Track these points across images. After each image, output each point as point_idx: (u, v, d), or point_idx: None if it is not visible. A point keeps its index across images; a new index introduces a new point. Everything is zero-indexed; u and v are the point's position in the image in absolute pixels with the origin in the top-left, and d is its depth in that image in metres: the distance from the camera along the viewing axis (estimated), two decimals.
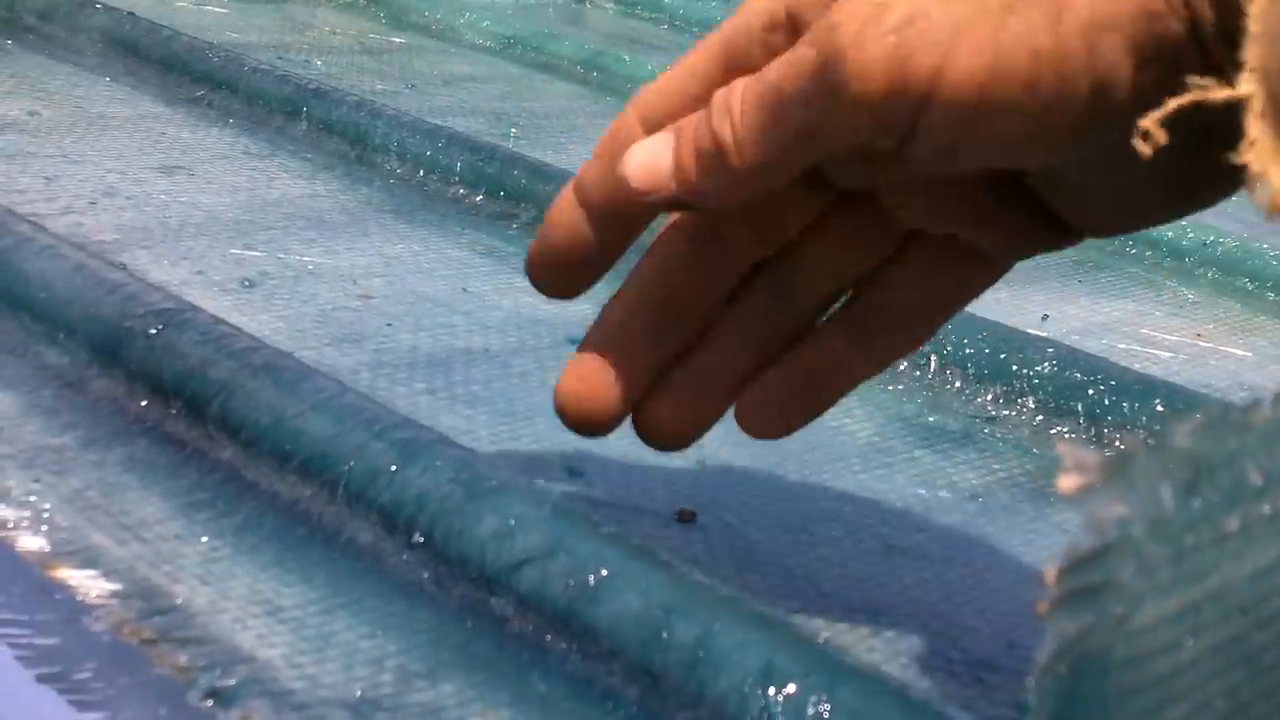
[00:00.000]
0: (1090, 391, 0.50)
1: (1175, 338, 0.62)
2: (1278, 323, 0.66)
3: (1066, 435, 0.49)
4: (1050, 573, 0.18)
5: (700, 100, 0.31)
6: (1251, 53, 0.23)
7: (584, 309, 0.55)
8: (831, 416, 0.49)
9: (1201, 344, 0.62)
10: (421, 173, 0.68)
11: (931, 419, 0.49)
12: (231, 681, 0.30)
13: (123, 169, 0.64)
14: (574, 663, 0.32)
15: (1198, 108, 0.24)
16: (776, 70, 0.29)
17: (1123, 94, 0.26)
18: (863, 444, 0.47)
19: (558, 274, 0.36)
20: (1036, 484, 0.46)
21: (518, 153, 0.68)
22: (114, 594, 0.33)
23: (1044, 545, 0.42)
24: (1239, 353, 0.62)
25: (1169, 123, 0.24)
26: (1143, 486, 0.19)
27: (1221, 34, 0.25)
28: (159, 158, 0.66)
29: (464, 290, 0.55)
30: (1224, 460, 0.20)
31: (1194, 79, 0.24)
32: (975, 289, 0.34)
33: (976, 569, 0.40)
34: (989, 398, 0.51)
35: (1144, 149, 0.24)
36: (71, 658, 0.31)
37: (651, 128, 0.32)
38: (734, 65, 0.31)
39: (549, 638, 0.33)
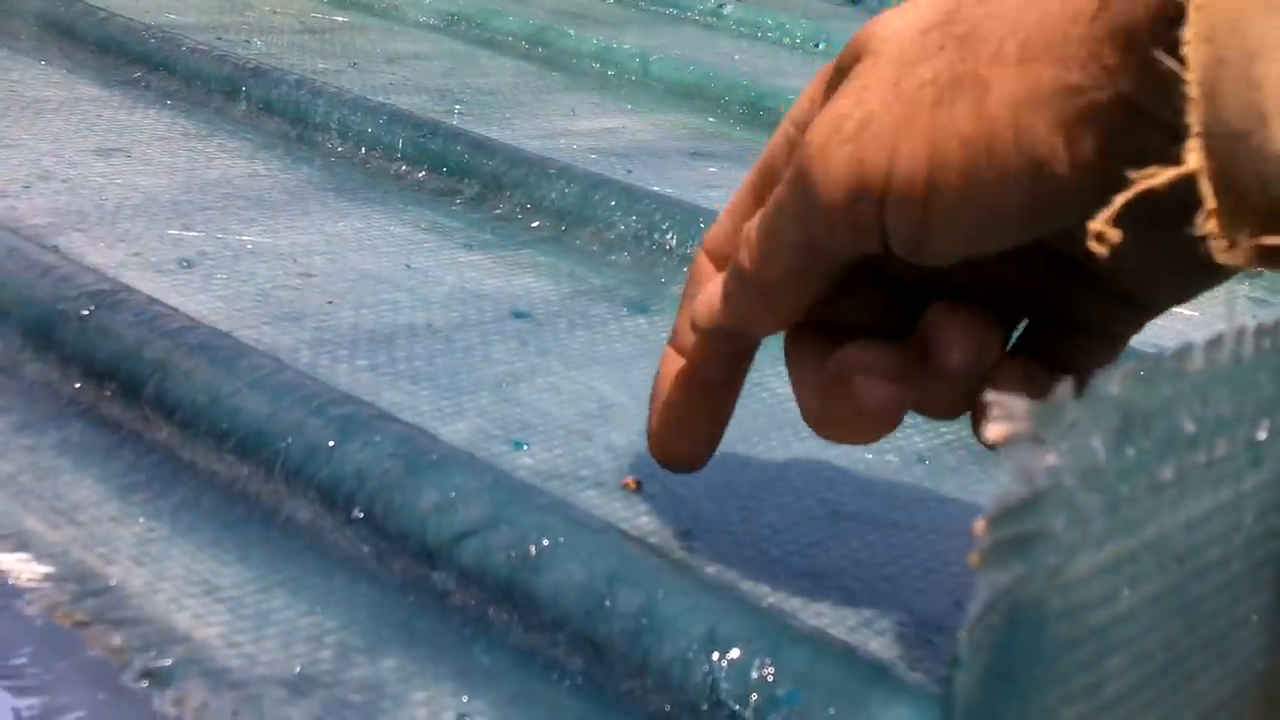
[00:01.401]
0: None
1: None
2: (1226, 284, 0.66)
3: None
4: (981, 523, 0.18)
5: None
6: (1194, 118, 0.23)
7: (528, 281, 0.55)
8: (779, 383, 0.48)
9: None
10: (363, 150, 0.67)
11: None
12: (168, 662, 0.30)
13: (58, 152, 0.63)
14: (517, 634, 0.32)
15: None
16: (774, 193, 0.31)
17: (1063, 169, 0.26)
18: None
19: (680, 441, 0.37)
20: (981, 446, 0.46)
21: (460, 128, 0.67)
22: (47, 577, 0.32)
23: (987, 503, 0.41)
24: (1187, 312, 0.62)
25: (1130, 211, 0.24)
26: (1074, 435, 0.18)
27: (1156, 98, 0.25)
28: (95, 140, 0.65)
29: (407, 267, 0.55)
30: (1158, 409, 0.20)
31: (1134, 173, 0.23)
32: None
33: (923, 531, 0.40)
34: None
35: (1099, 249, 0.23)
36: (5, 643, 0.30)
37: (717, 261, 0.35)
38: (769, 193, 0.32)
39: (492, 610, 0.32)
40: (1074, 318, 0.33)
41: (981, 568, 0.18)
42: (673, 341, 0.36)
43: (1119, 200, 0.24)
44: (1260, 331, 0.23)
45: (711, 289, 0.34)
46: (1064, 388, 0.18)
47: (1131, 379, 0.20)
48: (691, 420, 0.36)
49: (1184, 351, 0.21)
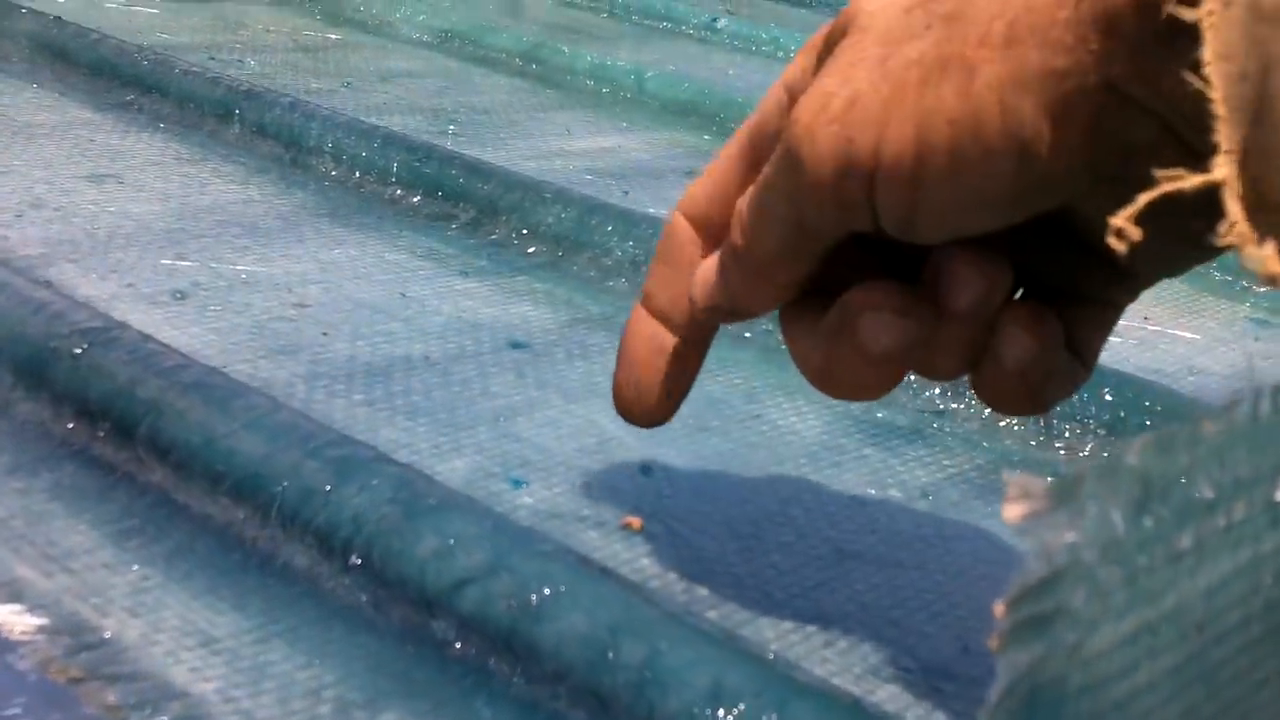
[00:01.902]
0: None
1: (1123, 321, 0.61)
2: (1224, 303, 0.66)
3: (1015, 428, 0.48)
4: (999, 606, 0.17)
5: (734, 195, 0.33)
6: (1224, 134, 0.23)
7: (525, 309, 0.54)
8: (778, 414, 0.48)
9: (1150, 327, 0.62)
10: (358, 174, 0.67)
11: (880, 414, 0.49)
12: (164, 719, 0.29)
13: (50, 179, 0.62)
14: (519, 686, 0.31)
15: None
16: (763, 171, 0.31)
17: (1049, 152, 0.26)
18: (810, 443, 0.46)
19: (646, 397, 0.36)
20: (986, 479, 0.45)
21: (455, 151, 0.67)
22: (40, 629, 0.32)
23: (995, 544, 0.41)
24: (1188, 335, 0.61)
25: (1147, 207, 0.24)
26: (1093, 509, 0.18)
27: (1145, 88, 0.25)
28: (88, 166, 0.64)
29: (402, 295, 0.54)
30: (1175, 476, 0.20)
31: (1161, 173, 0.23)
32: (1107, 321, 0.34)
33: (929, 571, 0.39)
34: (937, 391, 0.50)
35: (1119, 246, 0.23)
36: None
37: (696, 224, 0.35)
38: (759, 158, 0.32)
39: (492, 661, 0.32)
40: (1070, 288, 0.32)
41: (1002, 651, 0.18)
42: (644, 303, 0.36)
43: (1142, 200, 0.23)
44: (1277, 390, 0.22)
45: (707, 266, 0.34)
46: (1081, 464, 0.17)
47: (1149, 449, 0.19)
48: (665, 381, 0.35)
49: (1202, 416, 0.20)
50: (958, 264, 0.30)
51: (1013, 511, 0.17)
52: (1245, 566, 0.22)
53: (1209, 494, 0.20)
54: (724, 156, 0.34)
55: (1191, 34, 0.23)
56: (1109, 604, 0.19)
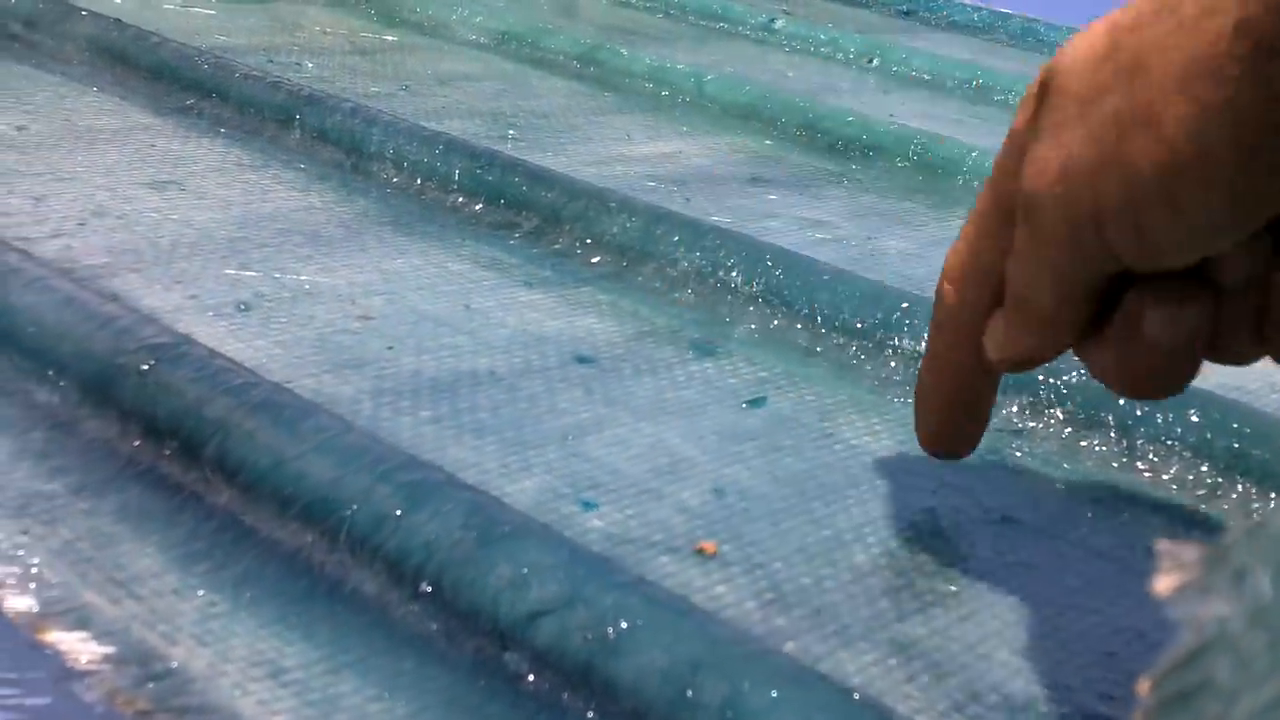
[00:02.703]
0: (1121, 401, 0.48)
1: None
2: None
3: (1097, 448, 0.47)
4: (1145, 682, 0.16)
5: (988, 252, 0.36)
6: None
7: (590, 322, 0.53)
8: (851, 433, 0.47)
9: None
10: (419, 181, 0.66)
11: None
12: None
13: (112, 185, 0.62)
14: None
15: None
16: (1016, 234, 0.34)
17: (1249, 177, 0.28)
18: (886, 463, 0.45)
19: (954, 439, 0.40)
20: (1068, 502, 0.44)
21: (517, 158, 0.66)
22: (107, 658, 0.31)
23: (1079, 572, 0.40)
24: None
25: None
26: (1241, 576, 0.17)
27: None
28: (149, 172, 0.64)
29: (466, 308, 0.53)
30: None
31: None
32: None
33: (1011, 602, 0.38)
34: (1015, 409, 0.49)
35: None
36: None
37: (958, 287, 0.37)
38: (1006, 211, 0.35)
39: (567, 696, 0.31)
40: None
41: None
42: (932, 363, 0.39)
43: None
44: None
45: (995, 326, 0.36)
46: (1233, 530, 0.16)
47: None
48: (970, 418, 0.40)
49: None
50: None
51: (1165, 584, 0.16)
52: None
53: None
54: (973, 217, 0.37)
55: None
56: (1252, 672, 0.18)
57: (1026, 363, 0.36)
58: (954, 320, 0.38)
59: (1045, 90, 0.33)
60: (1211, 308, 0.32)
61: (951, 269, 0.37)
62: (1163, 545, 0.16)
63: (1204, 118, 0.28)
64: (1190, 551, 0.16)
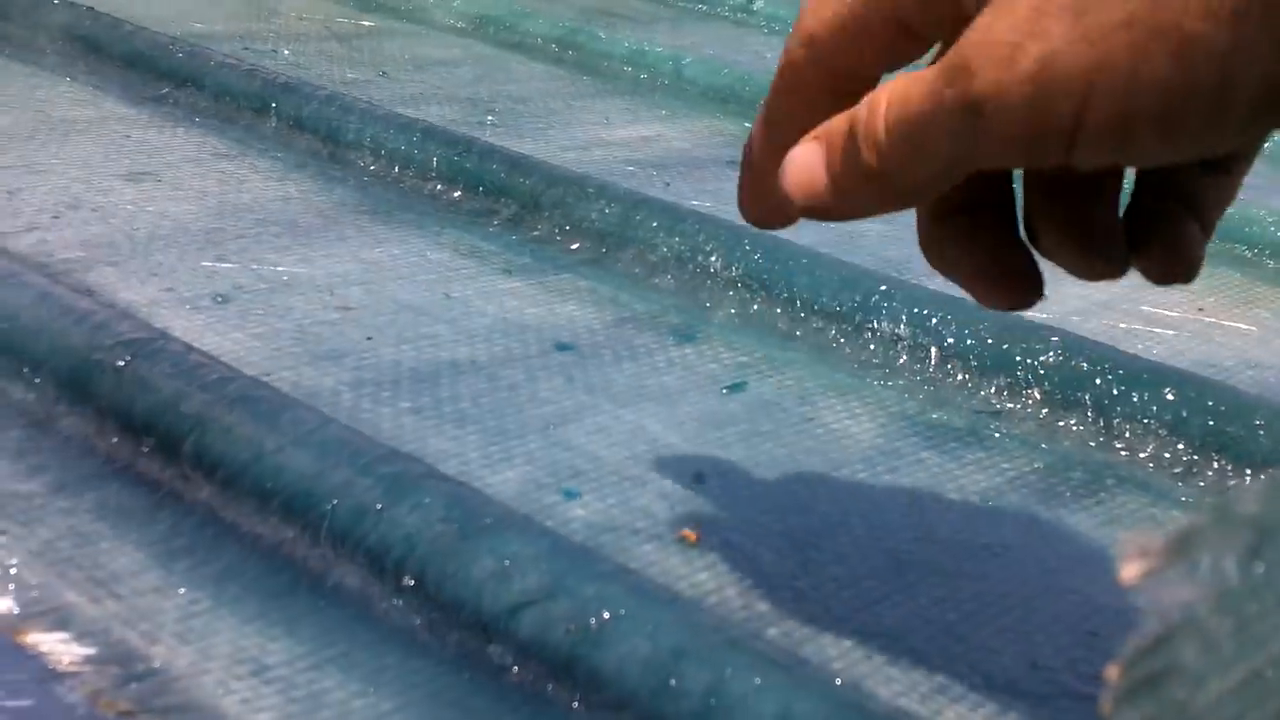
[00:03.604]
0: (1097, 381, 0.48)
1: (1177, 314, 0.60)
2: (1278, 292, 0.64)
3: (1074, 428, 0.47)
4: (1112, 669, 0.16)
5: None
6: None
7: (570, 309, 0.53)
8: (832, 417, 0.47)
9: (1204, 319, 0.60)
10: (397, 169, 0.66)
11: (935, 416, 0.48)
12: None
13: (87, 178, 0.61)
14: (579, 714, 0.30)
15: None
16: (918, 100, 0.29)
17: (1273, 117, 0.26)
18: (866, 447, 0.45)
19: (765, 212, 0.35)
20: (1046, 482, 0.44)
21: (495, 145, 0.66)
22: (88, 659, 0.31)
23: (1059, 551, 0.40)
24: (1243, 327, 0.60)
25: None
26: (1207, 562, 0.17)
27: None
28: (125, 164, 0.64)
29: (446, 296, 0.53)
30: None
31: None
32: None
33: (991, 581, 0.38)
34: (993, 390, 0.49)
35: None
36: None
37: (822, 70, 0.32)
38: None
39: (551, 687, 0.31)
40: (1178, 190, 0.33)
41: (1113, 713, 0.17)
42: (765, 131, 0.34)
43: None
44: None
45: (808, 161, 0.31)
46: (1197, 516, 0.17)
47: (1267, 494, 0.18)
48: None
49: None
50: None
51: (1130, 571, 0.16)
52: None
53: None
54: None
55: None
56: (1219, 656, 0.18)
57: (827, 217, 0.32)
58: (799, 92, 0.32)
59: None
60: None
61: (819, 40, 0.32)
62: (1127, 534, 0.16)
63: (1248, 54, 0.25)
64: (1155, 539, 0.16)
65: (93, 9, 0.82)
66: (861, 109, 0.30)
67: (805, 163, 0.31)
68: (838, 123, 0.31)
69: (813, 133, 0.31)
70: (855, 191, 0.30)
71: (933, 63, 0.30)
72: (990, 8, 0.28)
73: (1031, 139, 0.27)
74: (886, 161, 0.29)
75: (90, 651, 0.31)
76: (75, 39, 0.80)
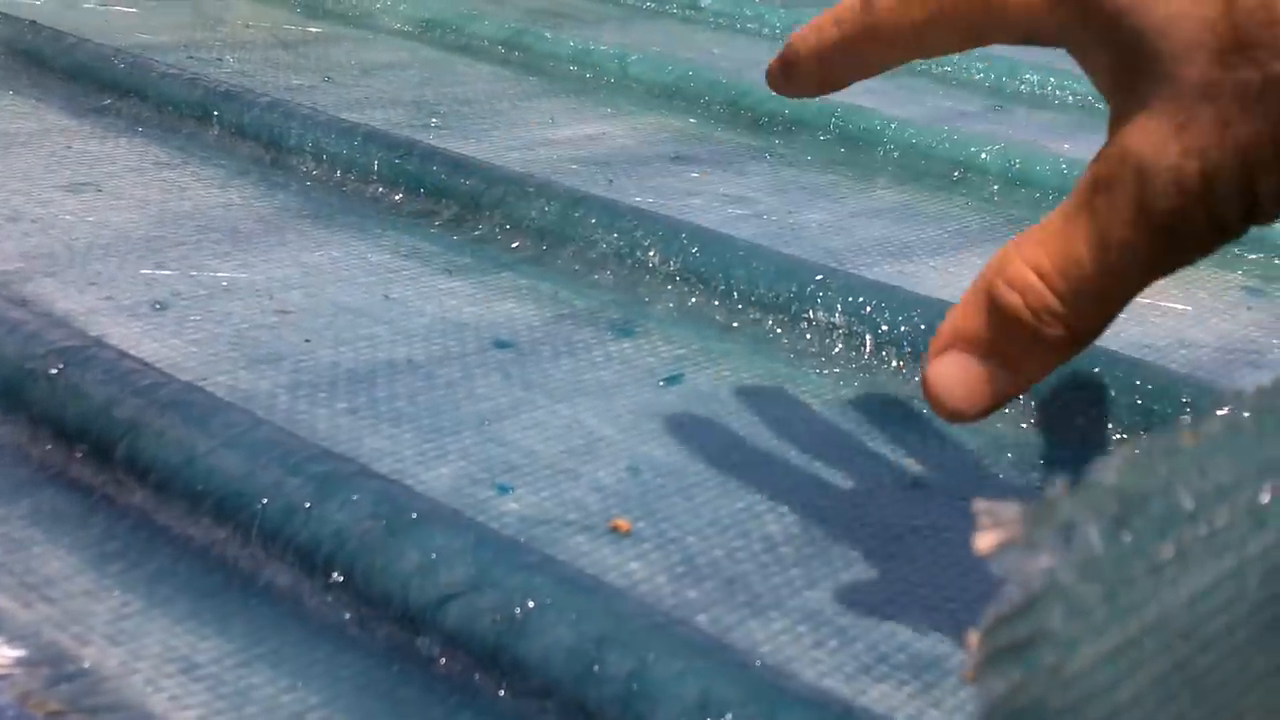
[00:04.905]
0: None
1: None
2: (1216, 273, 0.65)
3: (1006, 411, 0.48)
4: (973, 637, 0.17)
5: None
6: None
7: (509, 307, 0.54)
8: (768, 408, 0.48)
9: (1140, 300, 0.61)
10: (339, 173, 0.66)
11: (869, 402, 0.48)
12: None
13: (28, 190, 0.61)
14: (505, 702, 0.31)
15: None
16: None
17: None
18: (800, 434, 0.46)
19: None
20: (978, 464, 0.45)
21: (436, 147, 0.66)
22: (19, 661, 0.31)
23: None
24: (1179, 307, 0.61)
25: None
26: (1068, 531, 0.18)
27: None
28: (66, 175, 0.64)
29: (386, 297, 0.54)
30: (1154, 489, 0.19)
31: None
32: None
33: (922, 564, 0.39)
34: None
35: None
36: None
37: None
38: None
39: (478, 677, 0.31)
40: None
41: (977, 681, 0.17)
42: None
43: None
44: (1259, 393, 0.22)
45: (962, 374, 0.33)
46: (1056, 486, 0.17)
47: (1129, 464, 0.19)
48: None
49: (1182, 428, 0.20)
50: None
51: (985, 541, 0.16)
52: (1230, 572, 0.22)
53: (1189, 504, 0.20)
54: None
55: None
56: (1089, 622, 0.19)
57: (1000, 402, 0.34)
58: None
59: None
60: None
61: None
62: (980, 505, 0.17)
63: None
64: (1010, 509, 0.17)
65: (35, 22, 0.82)
66: (1004, 294, 0.32)
67: (956, 378, 0.33)
68: (969, 325, 0.33)
69: (939, 345, 0.33)
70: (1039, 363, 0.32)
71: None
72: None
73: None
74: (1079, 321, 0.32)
75: (21, 654, 0.31)
76: (18, 52, 0.80)
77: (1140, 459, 0.19)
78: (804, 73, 0.37)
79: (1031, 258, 0.32)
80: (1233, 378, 0.53)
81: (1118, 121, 0.31)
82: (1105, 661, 0.19)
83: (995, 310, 0.32)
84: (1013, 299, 0.32)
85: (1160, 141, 0.29)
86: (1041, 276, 0.31)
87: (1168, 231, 0.30)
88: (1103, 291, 0.31)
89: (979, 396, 0.33)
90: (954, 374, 0.33)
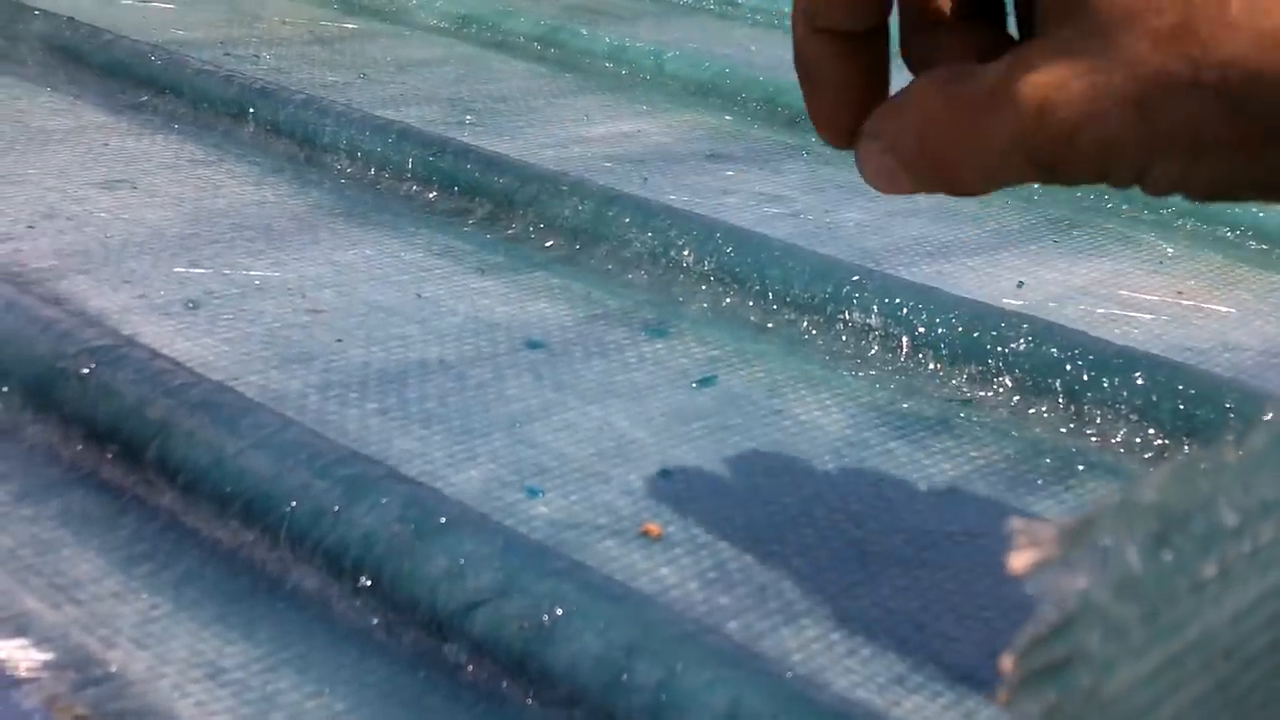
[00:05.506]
0: (1068, 368, 0.48)
1: (1155, 297, 0.60)
2: (1259, 274, 0.64)
3: (1045, 415, 0.47)
4: (1006, 659, 0.16)
5: None
6: None
7: (542, 307, 0.53)
8: (801, 409, 0.47)
9: (1183, 302, 0.60)
10: (373, 171, 0.66)
11: (905, 406, 0.48)
12: None
13: (63, 187, 0.62)
14: (532, 711, 0.31)
15: None
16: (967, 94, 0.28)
17: None
18: (834, 438, 0.45)
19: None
20: (1016, 470, 0.44)
21: (470, 144, 0.66)
22: (46, 665, 0.31)
23: None
24: (1222, 309, 0.60)
25: None
26: (1105, 550, 0.17)
27: None
28: (101, 172, 0.64)
29: (418, 296, 0.53)
30: (1196, 506, 0.19)
31: None
32: None
33: (955, 570, 0.38)
34: (964, 379, 0.49)
35: None
36: None
37: None
38: None
39: (505, 684, 0.31)
40: None
41: (1011, 704, 0.17)
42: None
43: None
44: None
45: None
46: (1097, 503, 0.17)
47: (1170, 481, 0.18)
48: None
49: (1224, 442, 0.19)
50: None
51: (1020, 560, 0.16)
52: (1274, 588, 0.21)
53: (1233, 520, 0.19)
54: None
55: None
56: (1127, 643, 0.18)
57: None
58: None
59: None
60: None
61: None
62: (1017, 523, 0.16)
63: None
64: (1046, 528, 0.16)
65: (73, 19, 0.82)
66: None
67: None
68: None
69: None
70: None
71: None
72: None
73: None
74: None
75: (48, 657, 0.31)
76: (55, 49, 0.80)
77: (1182, 475, 0.18)
78: None
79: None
80: (1278, 382, 0.52)
81: (1029, 45, 0.29)
82: (1144, 682, 0.19)
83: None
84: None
85: (1070, 96, 0.27)
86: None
87: (1048, 170, 0.29)
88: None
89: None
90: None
